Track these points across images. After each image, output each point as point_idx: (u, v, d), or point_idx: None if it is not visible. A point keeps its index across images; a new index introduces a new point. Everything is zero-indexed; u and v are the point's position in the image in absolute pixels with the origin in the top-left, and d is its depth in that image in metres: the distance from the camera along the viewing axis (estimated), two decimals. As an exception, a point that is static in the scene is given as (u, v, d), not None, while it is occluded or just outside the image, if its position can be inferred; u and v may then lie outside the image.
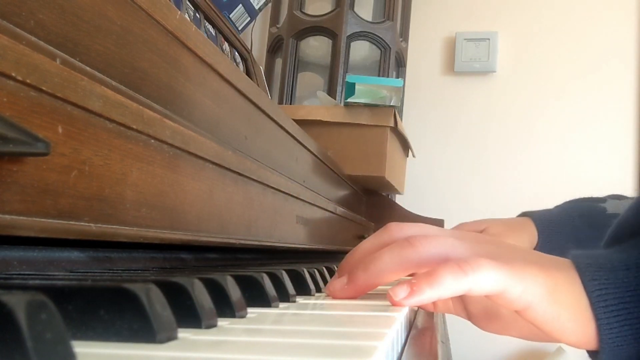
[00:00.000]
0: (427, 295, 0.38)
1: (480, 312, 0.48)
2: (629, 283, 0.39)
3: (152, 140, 0.40)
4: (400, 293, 0.39)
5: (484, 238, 0.45)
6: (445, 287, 0.38)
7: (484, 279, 0.38)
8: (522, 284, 0.39)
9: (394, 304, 0.39)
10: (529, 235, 0.87)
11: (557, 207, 0.92)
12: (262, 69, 1.35)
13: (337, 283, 0.45)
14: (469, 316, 0.49)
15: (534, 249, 0.85)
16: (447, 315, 0.65)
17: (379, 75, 1.71)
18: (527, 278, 0.39)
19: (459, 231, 0.46)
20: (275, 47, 1.83)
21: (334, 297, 0.45)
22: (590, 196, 0.68)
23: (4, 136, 0.26)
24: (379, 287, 0.44)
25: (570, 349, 1.73)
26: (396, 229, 0.46)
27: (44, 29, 0.32)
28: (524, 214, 0.92)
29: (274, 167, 0.69)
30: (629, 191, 1.85)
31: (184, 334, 0.25)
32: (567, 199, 0.70)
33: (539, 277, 0.39)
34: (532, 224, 0.88)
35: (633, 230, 0.44)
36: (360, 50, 1.73)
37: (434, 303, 0.48)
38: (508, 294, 0.39)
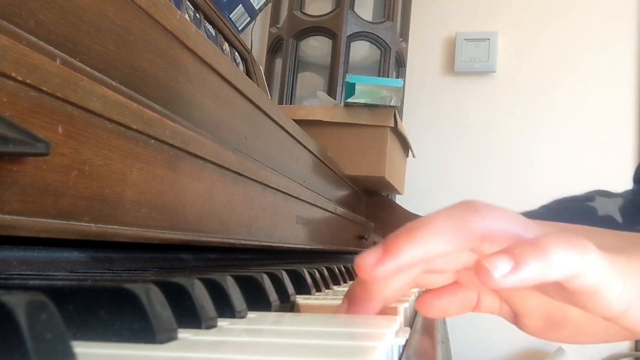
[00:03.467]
0: (535, 271, 0.28)
1: (539, 323, 0.37)
2: None
3: (152, 140, 0.40)
4: (502, 266, 0.27)
5: (548, 222, 0.35)
6: (556, 264, 0.28)
7: (592, 265, 0.29)
8: (622, 277, 0.30)
9: (490, 282, 0.28)
10: None
11: (543, 207, 0.80)
12: (262, 69, 1.35)
13: (371, 255, 0.30)
14: (523, 328, 0.38)
15: None
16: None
17: (379, 75, 1.71)
18: (624, 270, 0.30)
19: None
20: (275, 47, 1.83)
21: (364, 275, 0.31)
22: (576, 195, 0.59)
23: (4, 136, 0.26)
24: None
25: (570, 349, 1.73)
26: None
27: (44, 29, 0.32)
28: None
29: (274, 167, 0.69)
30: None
31: (184, 334, 0.25)
32: (555, 199, 0.63)
33: (636, 265, 0.31)
34: None
35: None
36: (360, 50, 1.73)
37: (478, 301, 0.37)
38: (606, 293, 0.30)
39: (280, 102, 1.71)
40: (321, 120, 1.32)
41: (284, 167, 0.74)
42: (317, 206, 0.89)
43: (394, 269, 0.30)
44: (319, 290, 0.51)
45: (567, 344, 0.37)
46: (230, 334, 0.27)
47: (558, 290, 0.31)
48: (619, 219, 0.54)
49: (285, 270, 0.45)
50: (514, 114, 1.94)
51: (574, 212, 0.38)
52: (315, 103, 1.57)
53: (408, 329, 0.36)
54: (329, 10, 1.71)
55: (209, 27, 1.00)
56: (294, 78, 1.74)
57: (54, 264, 0.36)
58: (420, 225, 0.31)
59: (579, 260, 0.28)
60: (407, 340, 0.36)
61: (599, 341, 0.37)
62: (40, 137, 0.28)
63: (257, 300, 0.37)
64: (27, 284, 0.25)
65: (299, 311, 0.40)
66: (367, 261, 0.30)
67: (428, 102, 1.99)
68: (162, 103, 0.44)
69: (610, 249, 0.31)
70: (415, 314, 0.48)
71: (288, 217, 0.73)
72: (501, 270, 0.27)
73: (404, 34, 1.89)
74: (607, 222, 0.44)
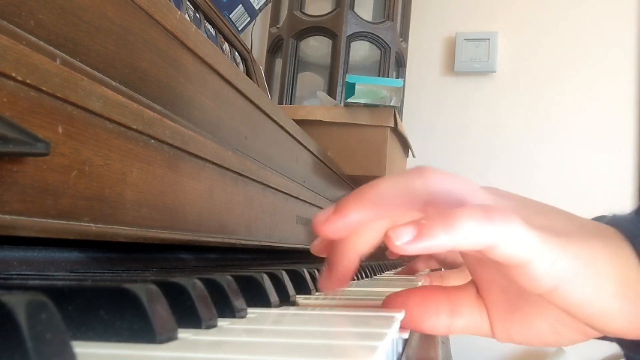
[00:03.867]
0: (440, 241, 0.29)
1: (500, 301, 0.37)
2: None
3: (152, 140, 0.40)
4: (404, 235, 0.29)
5: (507, 193, 0.35)
6: (465, 234, 0.29)
7: (513, 238, 0.29)
8: (551, 254, 0.30)
9: (394, 249, 0.29)
10: None
11: None
12: (262, 69, 1.35)
13: (322, 214, 0.34)
14: (490, 314, 0.38)
15: None
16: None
17: (379, 75, 1.71)
18: (557, 247, 0.31)
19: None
20: (275, 47, 1.83)
21: (318, 232, 0.34)
22: None
23: (4, 136, 0.26)
24: (379, 290, 0.43)
25: (570, 349, 1.73)
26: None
27: (44, 29, 0.32)
28: None
29: (274, 167, 0.69)
30: (629, 189, 1.85)
31: (184, 334, 0.25)
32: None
33: (572, 247, 0.31)
34: None
35: None
36: (360, 50, 1.73)
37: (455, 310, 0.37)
38: (533, 268, 0.30)
39: (280, 102, 1.71)
40: (321, 120, 1.32)
41: (284, 167, 0.74)
42: (317, 206, 0.89)
43: (342, 228, 0.33)
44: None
45: (525, 343, 0.39)
46: (230, 334, 0.27)
47: (491, 260, 0.31)
48: None
49: (286, 270, 0.44)
50: (514, 114, 1.94)
51: None
52: (315, 103, 1.57)
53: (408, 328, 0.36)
54: (329, 10, 1.71)
55: (209, 27, 1.00)
56: (294, 78, 1.74)
57: (54, 264, 0.36)
58: (368, 188, 0.34)
59: (494, 232, 0.29)
60: (407, 340, 0.36)
61: (555, 338, 0.37)
62: (40, 137, 0.28)
63: (257, 300, 0.37)
64: (27, 284, 0.25)
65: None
66: (318, 219, 0.34)
67: (428, 102, 1.99)
68: (162, 103, 0.44)
69: (553, 230, 0.32)
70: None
71: (288, 217, 0.73)
72: (403, 238, 0.29)
73: (404, 34, 1.89)
74: None
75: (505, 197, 0.34)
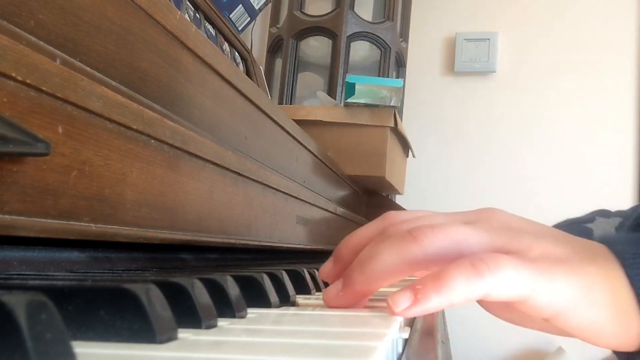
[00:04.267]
0: (435, 303, 0.32)
1: (497, 303, 0.40)
2: None
3: (152, 140, 0.40)
4: (402, 302, 0.33)
5: (504, 220, 0.38)
6: (457, 293, 0.32)
7: (505, 283, 0.32)
8: (550, 287, 0.33)
9: (396, 314, 0.33)
10: None
11: None
12: (262, 69, 1.35)
13: (332, 289, 0.38)
14: (483, 304, 0.42)
15: None
16: (447, 315, 0.65)
17: (379, 76, 1.71)
18: (556, 280, 0.33)
19: (473, 213, 0.39)
20: (275, 47, 1.83)
21: (330, 306, 0.38)
22: (579, 216, 0.60)
23: (4, 136, 0.26)
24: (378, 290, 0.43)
25: (570, 349, 1.74)
26: (395, 217, 0.39)
27: (44, 29, 0.32)
28: None
29: (274, 167, 0.69)
30: (629, 189, 1.85)
31: (184, 334, 0.25)
32: (557, 222, 0.63)
33: (571, 278, 0.34)
34: None
35: None
36: (360, 50, 1.73)
37: None
38: (534, 301, 0.33)
39: (280, 102, 1.71)
40: (321, 120, 1.32)
41: (284, 167, 0.74)
42: (317, 206, 0.89)
43: (353, 297, 0.37)
44: (319, 290, 0.51)
45: (518, 325, 0.45)
46: (230, 334, 0.27)
47: None
48: None
49: (286, 270, 0.44)
50: (513, 114, 1.94)
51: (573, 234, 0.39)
52: (315, 103, 1.57)
53: (408, 328, 0.36)
54: (329, 10, 1.71)
55: (209, 27, 1.00)
56: (294, 78, 1.73)
57: (54, 264, 0.36)
58: (369, 263, 0.36)
59: (484, 285, 0.32)
60: (407, 340, 0.36)
61: (543, 330, 0.41)
62: (40, 137, 0.28)
63: (257, 300, 0.37)
64: (27, 284, 0.25)
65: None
66: (330, 293, 0.38)
67: (428, 102, 1.99)
68: (162, 103, 0.44)
69: (552, 257, 0.34)
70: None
71: (288, 217, 0.73)
72: (402, 305, 0.33)
73: (404, 34, 1.88)
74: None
75: (496, 229, 0.36)
